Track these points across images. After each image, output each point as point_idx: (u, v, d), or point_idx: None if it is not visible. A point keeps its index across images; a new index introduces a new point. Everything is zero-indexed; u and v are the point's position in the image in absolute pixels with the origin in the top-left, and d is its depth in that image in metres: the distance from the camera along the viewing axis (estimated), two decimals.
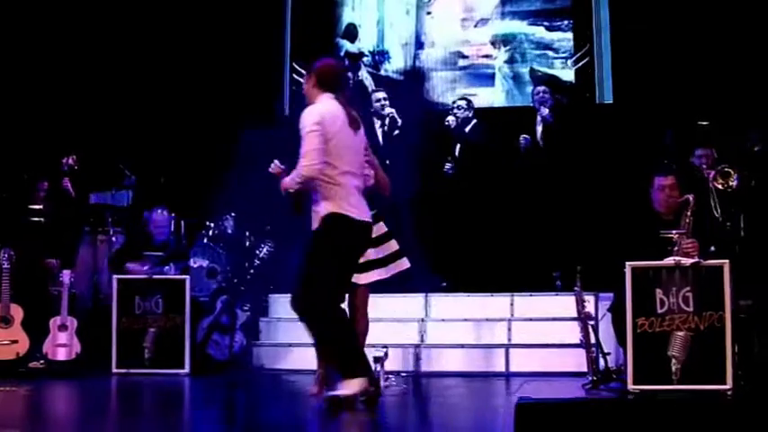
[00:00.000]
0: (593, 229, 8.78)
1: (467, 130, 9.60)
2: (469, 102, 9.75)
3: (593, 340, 6.99)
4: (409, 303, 8.72)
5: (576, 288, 7.02)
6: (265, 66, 11.08)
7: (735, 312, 6.28)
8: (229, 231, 9.58)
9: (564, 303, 8.21)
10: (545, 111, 9.17)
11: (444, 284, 9.36)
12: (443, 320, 8.58)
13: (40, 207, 8.63)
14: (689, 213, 6.53)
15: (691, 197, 6.56)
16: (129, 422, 5.69)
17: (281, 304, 8.72)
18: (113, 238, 9.53)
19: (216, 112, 10.50)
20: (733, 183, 7.19)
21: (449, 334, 8.46)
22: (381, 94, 9.71)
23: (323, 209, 5.63)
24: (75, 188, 9.20)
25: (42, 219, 8.58)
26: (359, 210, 5.68)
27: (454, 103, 9.76)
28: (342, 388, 5.56)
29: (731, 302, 6.23)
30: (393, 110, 9.50)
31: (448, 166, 9.41)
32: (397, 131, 9.43)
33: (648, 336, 6.33)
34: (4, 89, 9.00)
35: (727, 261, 6.28)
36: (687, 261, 6.34)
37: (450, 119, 9.48)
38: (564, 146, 9.06)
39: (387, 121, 9.51)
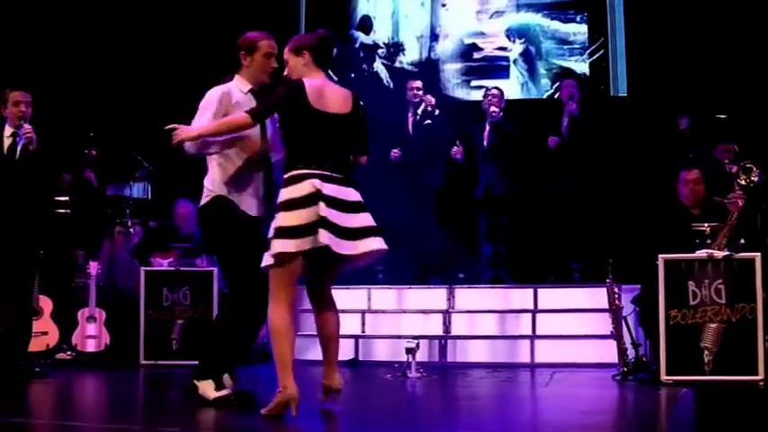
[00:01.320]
0: (617, 221, 8.86)
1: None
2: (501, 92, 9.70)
3: (623, 331, 7.09)
4: (433, 295, 8.78)
5: (607, 280, 7.10)
6: (280, 57, 11.06)
7: (766, 304, 6.37)
8: None
9: (587, 295, 8.33)
10: (573, 105, 9.20)
11: (462, 276, 9.43)
12: (468, 312, 8.64)
13: (66, 199, 8.64)
14: (733, 218, 6.62)
15: (740, 201, 6.64)
16: (157, 413, 5.71)
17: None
18: (131, 230, 9.53)
19: None
20: (755, 178, 7.24)
21: (473, 325, 8.52)
22: (417, 83, 9.75)
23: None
24: (97, 179, 9.23)
25: (68, 210, 8.59)
26: None
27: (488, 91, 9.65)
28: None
29: (764, 295, 6.34)
30: (432, 99, 9.52)
31: (455, 149, 9.36)
32: (428, 121, 9.47)
33: (681, 327, 6.44)
34: (25, 82, 8.96)
35: (758, 254, 6.38)
36: (719, 254, 6.44)
37: (494, 109, 9.37)
38: (588, 139, 9.09)
39: (420, 110, 9.59)
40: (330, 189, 4.94)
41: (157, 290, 8.17)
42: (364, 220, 5.03)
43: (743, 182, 6.85)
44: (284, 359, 4.97)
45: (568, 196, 9.09)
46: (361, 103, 5.26)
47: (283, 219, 4.88)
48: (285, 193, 4.94)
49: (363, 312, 8.73)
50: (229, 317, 5.51)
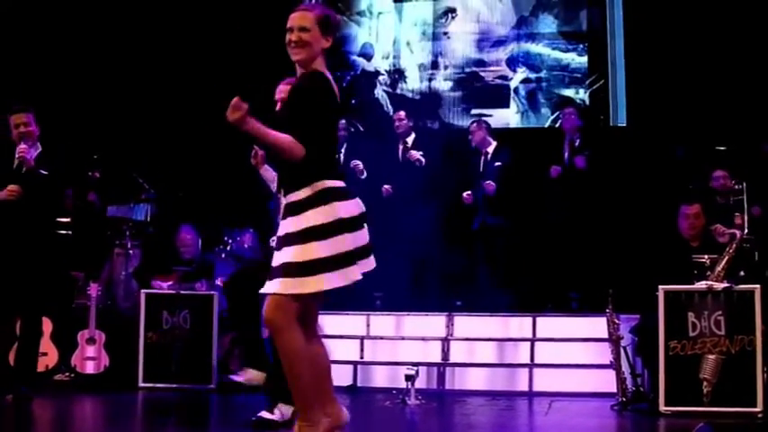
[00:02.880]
0: (617, 251, 8.89)
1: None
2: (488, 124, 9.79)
3: (622, 361, 7.11)
4: (432, 322, 8.80)
5: (607, 309, 7.13)
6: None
7: (766, 336, 6.41)
8: (246, 246, 9.61)
9: (585, 324, 8.35)
10: (575, 134, 9.30)
11: (459, 304, 9.44)
12: (467, 339, 8.65)
13: (68, 220, 8.67)
14: (732, 250, 6.67)
15: (738, 233, 6.71)
16: None
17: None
18: (130, 252, 9.56)
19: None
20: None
21: (472, 353, 8.54)
22: (401, 114, 9.83)
23: None
24: (99, 201, 9.27)
25: (70, 231, 8.61)
26: None
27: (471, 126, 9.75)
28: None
29: (763, 326, 6.38)
30: (416, 155, 9.52)
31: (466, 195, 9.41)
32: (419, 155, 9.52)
33: (680, 358, 6.48)
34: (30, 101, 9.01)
35: (758, 286, 6.43)
36: (719, 286, 6.48)
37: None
38: (590, 169, 9.14)
39: (410, 139, 9.68)
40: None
41: (157, 312, 8.19)
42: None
43: (740, 233, 6.91)
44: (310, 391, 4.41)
45: (568, 225, 9.12)
46: None
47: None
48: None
49: (362, 338, 8.73)
50: None
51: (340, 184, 4.30)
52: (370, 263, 4.37)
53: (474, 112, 10.92)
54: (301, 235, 4.23)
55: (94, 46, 10.72)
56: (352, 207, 4.30)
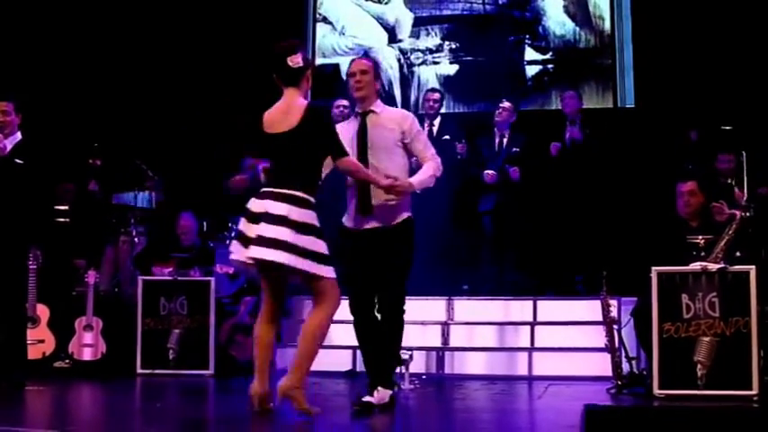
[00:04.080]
0: (617, 233, 8.79)
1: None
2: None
3: (617, 345, 7.02)
4: (432, 306, 8.73)
5: (601, 293, 7.03)
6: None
7: (762, 318, 6.29)
8: None
9: (586, 307, 8.25)
10: (574, 118, 9.18)
11: (466, 288, 9.38)
12: (466, 323, 8.58)
13: (66, 208, 8.68)
14: (731, 231, 6.54)
15: (738, 213, 6.57)
16: (154, 422, 5.70)
17: (305, 306, 8.77)
18: (135, 239, 9.58)
19: (240, 111, 10.53)
20: (748, 214, 7.13)
21: (472, 337, 8.47)
22: (436, 96, 9.62)
23: (406, 211, 5.79)
24: (100, 189, 9.27)
25: (68, 219, 8.62)
26: None
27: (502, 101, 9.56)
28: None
29: (758, 308, 6.26)
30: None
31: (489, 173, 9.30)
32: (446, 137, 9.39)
33: (674, 341, 6.37)
34: (28, 90, 9.03)
35: (753, 267, 6.30)
36: (714, 267, 6.36)
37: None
38: (590, 150, 9.03)
39: (437, 122, 9.51)
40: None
41: (155, 299, 8.19)
42: (264, 230, 5.09)
43: (741, 213, 6.77)
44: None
45: (573, 208, 9.02)
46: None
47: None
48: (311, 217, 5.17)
49: None
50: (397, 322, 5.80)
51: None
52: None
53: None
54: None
55: (95, 35, 10.72)
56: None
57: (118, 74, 10.69)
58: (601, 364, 7.53)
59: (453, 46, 11.23)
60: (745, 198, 7.30)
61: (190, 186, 10.18)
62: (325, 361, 8.24)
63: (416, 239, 8.99)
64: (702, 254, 6.51)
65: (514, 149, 9.21)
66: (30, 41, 10.31)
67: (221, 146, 10.27)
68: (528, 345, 8.30)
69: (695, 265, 6.42)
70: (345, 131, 5.71)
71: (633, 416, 4.82)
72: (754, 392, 6.16)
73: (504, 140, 9.29)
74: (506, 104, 9.40)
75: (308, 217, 5.13)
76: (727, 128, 8.63)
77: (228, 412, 6.21)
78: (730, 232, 6.59)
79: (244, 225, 5.21)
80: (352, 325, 8.51)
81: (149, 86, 10.75)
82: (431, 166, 5.80)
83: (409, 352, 7.18)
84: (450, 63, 11.19)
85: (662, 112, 9.96)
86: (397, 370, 7.16)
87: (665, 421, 4.70)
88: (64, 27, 10.57)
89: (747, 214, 6.79)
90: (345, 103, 8.91)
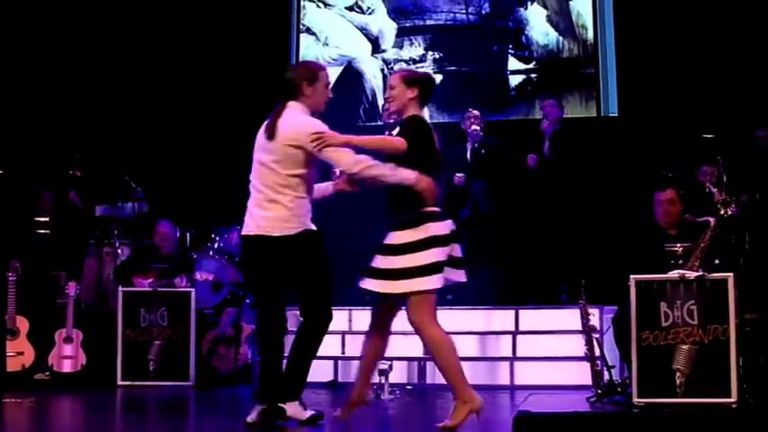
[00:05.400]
0: (597, 242, 8.78)
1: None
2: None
3: (597, 353, 7.01)
4: None
5: (580, 301, 7.02)
6: (273, 78, 11.10)
7: (740, 326, 6.28)
8: (234, 243, 9.57)
9: (568, 317, 8.22)
10: (551, 126, 9.17)
11: (450, 297, 9.34)
12: (448, 333, 8.53)
13: (46, 219, 8.66)
14: (707, 237, 6.53)
15: (712, 220, 6.56)
16: None
17: (290, 316, 8.73)
18: (119, 251, 9.55)
19: (222, 123, 10.53)
20: (730, 212, 7.14)
21: None
22: (476, 112, 9.64)
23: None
24: (82, 200, 9.25)
25: (48, 231, 8.60)
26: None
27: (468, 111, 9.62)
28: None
29: (736, 316, 6.25)
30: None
31: (458, 176, 9.31)
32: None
33: (653, 349, 6.33)
34: (9, 100, 9.04)
35: (731, 274, 6.28)
36: (692, 274, 6.35)
37: (476, 128, 9.39)
38: (570, 158, 9.03)
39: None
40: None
41: (135, 310, 8.17)
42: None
43: (721, 212, 6.76)
44: (460, 371, 5.48)
45: (554, 216, 9.02)
46: None
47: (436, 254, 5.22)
48: (433, 229, 5.23)
49: (343, 334, 8.66)
50: (313, 335, 5.69)
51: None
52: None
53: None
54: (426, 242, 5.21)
55: (76, 43, 10.70)
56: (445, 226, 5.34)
57: (100, 82, 10.67)
58: (582, 373, 7.52)
59: (437, 56, 11.24)
60: (723, 197, 7.27)
61: (173, 198, 10.16)
62: None
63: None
64: (680, 262, 6.50)
65: (491, 143, 9.28)
66: (9, 47, 10.27)
67: (205, 157, 10.30)
68: (510, 354, 8.27)
69: (673, 273, 6.41)
70: None
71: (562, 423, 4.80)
72: (732, 400, 6.14)
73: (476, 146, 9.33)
74: (475, 112, 9.44)
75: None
76: (709, 136, 8.62)
77: (209, 423, 6.19)
78: (705, 239, 6.57)
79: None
80: (333, 335, 8.62)
81: (132, 96, 10.72)
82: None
83: (388, 362, 7.17)
84: (434, 73, 11.18)
85: (645, 120, 9.96)
86: (377, 380, 7.18)
87: (602, 428, 4.67)
88: (45, 34, 10.53)
89: (729, 212, 6.78)
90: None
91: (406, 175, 5.26)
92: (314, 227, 5.59)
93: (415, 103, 5.47)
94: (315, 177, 5.65)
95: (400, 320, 8.53)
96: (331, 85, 5.77)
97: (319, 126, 5.43)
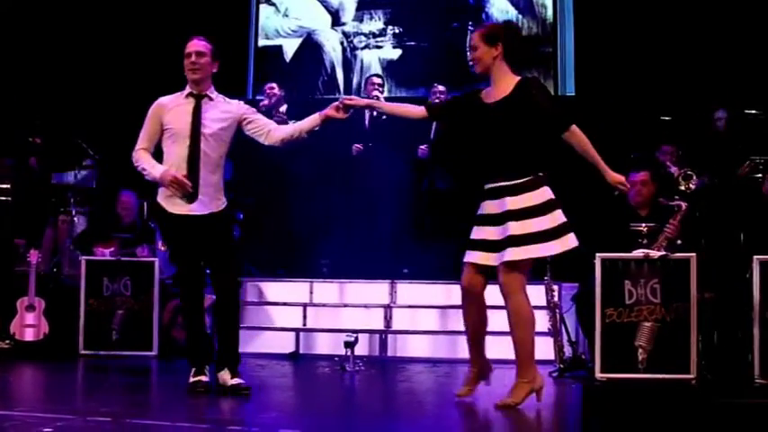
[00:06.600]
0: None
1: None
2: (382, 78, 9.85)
3: (559, 329, 7.15)
4: (375, 289, 8.79)
5: (546, 278, 7.14)
6: (232, 48, 11.04)
7: (700, 304, 6.46)
8: None
9: (532, 292, 8.30)
10: None
11: (406, 271, 9.43)
12: (409, 307, 8.66)
13: (7, 186, 8.56)
14: (677, 220, 6.68)
15: (683, 204, 6.70)
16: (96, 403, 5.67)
17: (251, 288, 8.80)
18: (75, 219, 9.48)
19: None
20: (692, 186, 7.33)
21: (415, 320, 8.55)
22: (378, 80, 9.67)
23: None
24: (40, 167, 9.15)
25: (9, 198, 8.50)
26: None
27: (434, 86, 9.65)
28: None
29: (697, 295, 6.42)
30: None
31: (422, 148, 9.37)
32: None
33: (616, 326, 6.50)
34: None
35: (694, 254, 6.46)
36: (656, 254, 6.51)
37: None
38: None
39: None
40: None
41: (98, 279, 8.12)
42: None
43: (682, 188, 6.91)
44: (533, 349, 5.49)
45: None
46: None
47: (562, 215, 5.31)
48: (550, 192, 5.38)
49: (305, 306, 8.72)
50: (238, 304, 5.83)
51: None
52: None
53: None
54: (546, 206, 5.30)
55: (37, 11, 10.55)
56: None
57: (61, 48, 10.54)
58: (544, 348, 7.65)
59: (396, 30, 11.28)
60: (683, 171, 7.43)
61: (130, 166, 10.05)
62: (268, 343, 8.36)
63: (359, 222, 9.23)
64: (645, 241, 6.66)
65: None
66: None
67: None
68: None
69: (638, 252, 6.57)
70: (176, 112, 5.73)
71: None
72: (692, 376, 6.32)
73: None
74: (440, 87, 9.49)
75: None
76: (667, 118, 8.78)
77: (171, 392, 6.21)
78: (676, 221, 6.72)
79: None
80: (294, 307, 8.69)
81: (92, 63, 10.61)
82: (288, 126, 6.01)
83: (354, 335, 7.25)
84: (393, 47, 11.25)
85: (602, 100, 10.09)
86: (343, 352, 7.26)
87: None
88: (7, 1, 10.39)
89: (691, 186, 6.94)
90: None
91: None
92: None
93: (502, 62, 5.28)
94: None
95: (368, 294, 8.75)
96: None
97: None
